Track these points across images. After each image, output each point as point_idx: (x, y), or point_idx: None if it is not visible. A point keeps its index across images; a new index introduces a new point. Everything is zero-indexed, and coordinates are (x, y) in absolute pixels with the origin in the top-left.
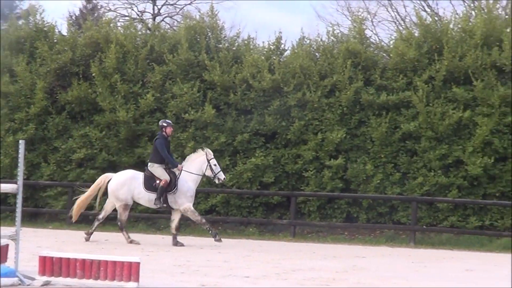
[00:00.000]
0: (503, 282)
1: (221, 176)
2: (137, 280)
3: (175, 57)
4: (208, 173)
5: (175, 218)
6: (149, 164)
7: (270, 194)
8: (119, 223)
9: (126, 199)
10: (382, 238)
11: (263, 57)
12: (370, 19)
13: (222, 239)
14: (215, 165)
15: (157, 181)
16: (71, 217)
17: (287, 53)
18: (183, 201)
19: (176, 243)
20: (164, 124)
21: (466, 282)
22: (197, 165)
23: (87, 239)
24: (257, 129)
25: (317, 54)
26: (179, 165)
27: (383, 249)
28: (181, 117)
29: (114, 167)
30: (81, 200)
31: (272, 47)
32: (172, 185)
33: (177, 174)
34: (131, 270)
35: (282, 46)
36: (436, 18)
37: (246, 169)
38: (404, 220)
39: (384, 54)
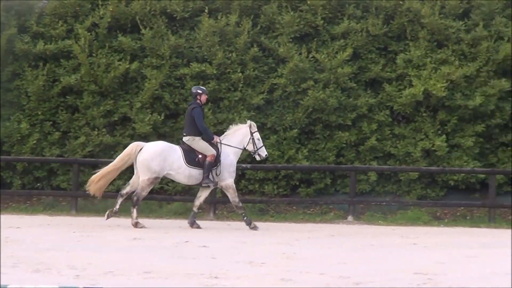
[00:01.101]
0: (170, 252)
1: (263, 152)
2: None
3: None
4: (250, 147)
5: (202, 195)
6: (185, 137)
7: None
8: (135, 198)
9: (160, 172)
10: (40, 206)
11: None
12: None
13: (258, 226)
14: (258, 139)
15: (199, 156)
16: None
17: None
18: (226, 177)
19: (193, 223)
20: (199, 91)
21: (132, 251)
22: (238, 137)
23: (108, 218)
24: None
25: None
26: (215, 138)
27: (41, 218)
28: None
29: None
30: (107, 172)
31: None
32: (217, 160)
33: (219, 148)
34: None
35: None
36: None
37: None
38: (65, 186)
39: None
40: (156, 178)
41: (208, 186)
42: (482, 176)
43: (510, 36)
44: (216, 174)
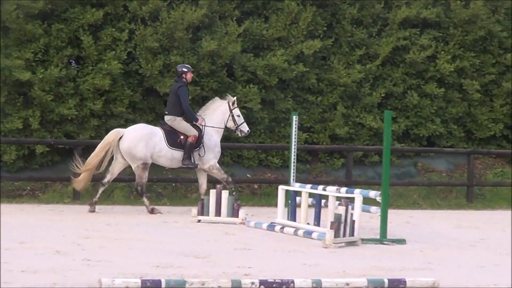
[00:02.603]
0: None
1: (245, 128)
2: None
3: None
4: (230, 124)
5: (203, 182)
6: (167, 117)
7: None
8: (139, 188)
9: (146, 157)
10: None
11: None
12: None
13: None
14: (238, 115)
15: (181, 137)
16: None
17: None
18: (210, 158)
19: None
20: (185, 70)
21: None
22: (219, 116)
23: (92, 211)
24: None
25: None
26: (200, 119)
27: None
28: None
29: None
30: (89, 164)
31: None
32: (199, 140)
33: (201, 128)
34: None
35: None
36: None
37: None
38: None
39: None
40: (144, 163)
41: (190, 168)
42: None
43: None
44: (199, 155)
